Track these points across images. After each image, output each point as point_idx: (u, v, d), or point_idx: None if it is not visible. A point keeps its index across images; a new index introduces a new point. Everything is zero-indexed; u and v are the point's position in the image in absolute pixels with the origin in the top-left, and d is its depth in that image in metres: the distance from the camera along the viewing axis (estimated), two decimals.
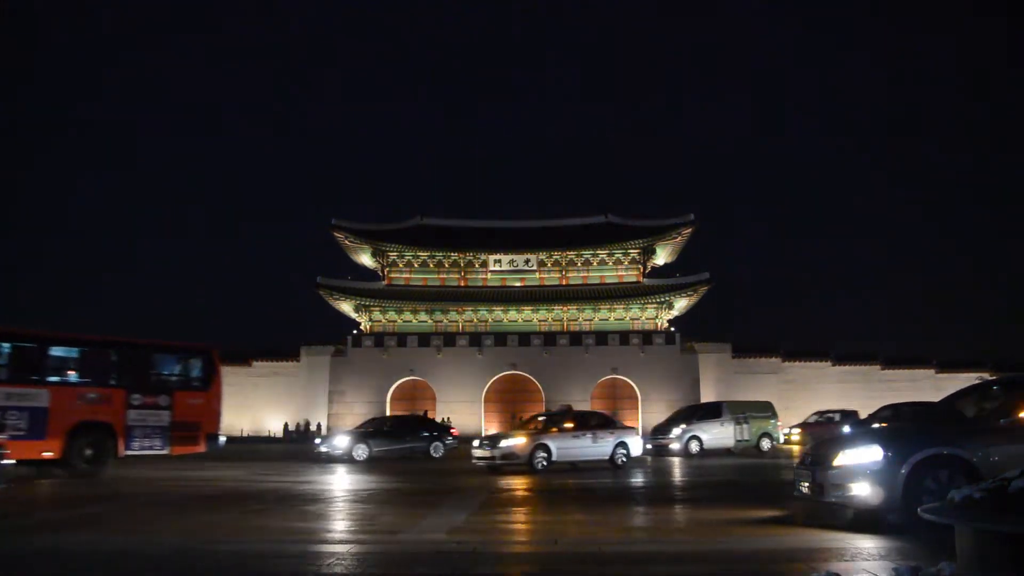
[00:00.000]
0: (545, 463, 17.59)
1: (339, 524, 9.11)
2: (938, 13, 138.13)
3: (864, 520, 7.89)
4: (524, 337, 48.77)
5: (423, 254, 54.01)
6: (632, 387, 47.34)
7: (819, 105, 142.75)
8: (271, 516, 9.62)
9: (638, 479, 16.10)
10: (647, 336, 49.03)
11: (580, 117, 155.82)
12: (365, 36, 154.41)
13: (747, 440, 25.44)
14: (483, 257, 53.74)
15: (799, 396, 45.38)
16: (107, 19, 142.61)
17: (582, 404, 46.93)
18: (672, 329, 51.37)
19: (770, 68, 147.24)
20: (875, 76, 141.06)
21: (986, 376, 35.20)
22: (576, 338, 48.73)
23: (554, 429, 18.41)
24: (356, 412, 46.65)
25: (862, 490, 7.55)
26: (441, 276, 54.16)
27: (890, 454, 7.53)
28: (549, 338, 48.82)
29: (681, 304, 52.76)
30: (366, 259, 55.66)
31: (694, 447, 24.28)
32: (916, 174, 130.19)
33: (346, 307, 53.17)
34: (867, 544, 6.94)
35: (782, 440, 26.63)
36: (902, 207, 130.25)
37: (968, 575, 4.11)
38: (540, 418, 20.17)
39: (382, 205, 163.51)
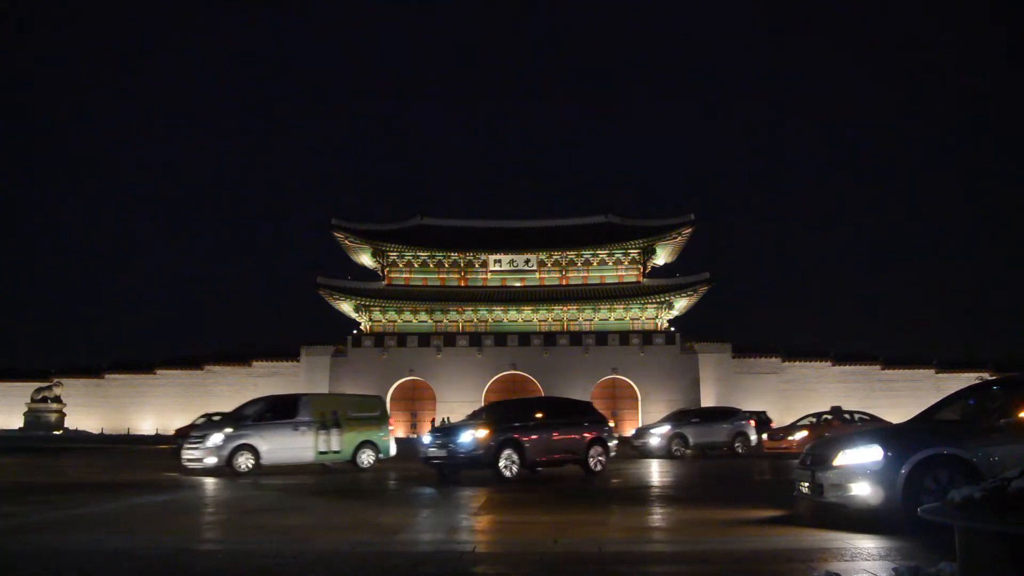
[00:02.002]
0: None
1: None
2: (937, 13, 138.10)
3: (864, 520, 7.87)
4: (524, 337, 48.73)
5: (423, 254, 53.99)
6: (632, 387, 47.30)
7: (819, 105, 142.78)
8: None
9: None
10: (647, 336, 48.99)
11: (580, 117, 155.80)
12: (366, 36, 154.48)
13: (336, 452, 17.77)
14: (483, 257, 53.71)
15: (799, 396, 45.32)
16: (104, 16, 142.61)
17: None
18: (672, 329, 51.34)
19: (770, 68, 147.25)
20: (875, 76, 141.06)
21: (986, 376, 35.20)
22: (576, 338, 48.69)
23: None
24: None
25: (862, 490, 7.53)
26: (441, 276, 54.14)
27: (890, 454, 7.51)
28: (549, 338, 48.78)
29: (681, 304, 52.74)
30: (366, 259, 55.65)
31: (244, 462, 16.39)
32: (916, 174, 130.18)
33: (346, 307, 53.16)
34: (867, 544, 6.92)
35: (393, 451, 19.16)
36: (902, 207, 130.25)
37: (968, 575, 4.10)
38: None
39: (382, 205, 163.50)
